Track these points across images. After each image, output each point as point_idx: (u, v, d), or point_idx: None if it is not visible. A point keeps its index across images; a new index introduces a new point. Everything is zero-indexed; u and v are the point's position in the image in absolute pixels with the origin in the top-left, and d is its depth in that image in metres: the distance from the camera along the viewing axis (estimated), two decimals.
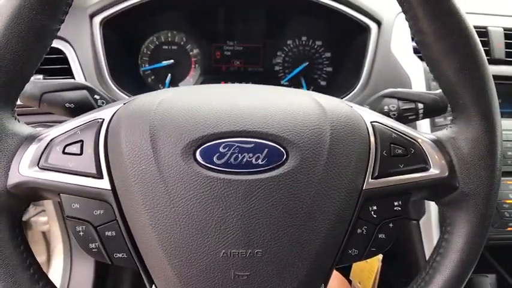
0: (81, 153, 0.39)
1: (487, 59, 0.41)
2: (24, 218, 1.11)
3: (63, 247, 1.06)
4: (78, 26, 0.79)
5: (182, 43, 0.94)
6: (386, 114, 0.53)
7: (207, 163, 0.37)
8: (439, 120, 0.84)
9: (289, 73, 0.97)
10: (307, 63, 0.96)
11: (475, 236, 0.42)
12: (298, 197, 0.37)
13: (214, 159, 0.37)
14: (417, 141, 0.42)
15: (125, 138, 0.38)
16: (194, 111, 0.38)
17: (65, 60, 0.77)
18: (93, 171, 0.38)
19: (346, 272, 0.92)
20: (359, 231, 0.40)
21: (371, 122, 0.42)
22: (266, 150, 0.37)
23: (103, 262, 0.40)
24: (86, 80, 0.74)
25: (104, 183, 0.38)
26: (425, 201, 0.83)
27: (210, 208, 0.36)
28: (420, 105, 0.56)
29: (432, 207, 0.82)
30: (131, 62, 0.93)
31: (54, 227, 1.04)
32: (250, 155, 0.37)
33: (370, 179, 0.40)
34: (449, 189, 0.43)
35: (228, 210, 0.36)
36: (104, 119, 0.40)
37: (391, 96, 0.56)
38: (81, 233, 0.39)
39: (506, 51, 0.89)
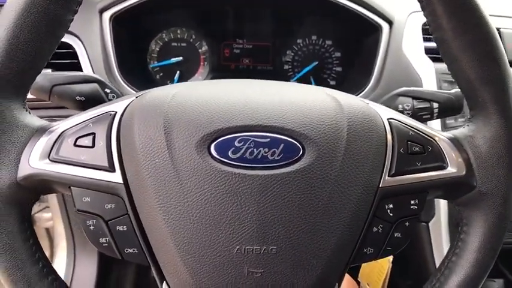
0: (93, 146, 0.38)
1: None
2: None
3: (66, 244, 1.05)
4: (87, 21, 0.79)
5: (191, 40, 0.94)
6: (401, 113, 0.53)
7: (221, 157, 0.36)
8: (449, 121, 0.83)
9: (298, 72, 0.96)
10: (316, 62, 0.96)
11: (492, 237, 0.41)
12: (314, 193, 0.36)
13: (229, 153, 0.36)
14: (434, 139, 0.42)
15: (138, 131, 0.37)
16: (209, 105, 0.38)
17: (74, 55, 0.76)
18: (105, 164, 0.38)
19: (354, 274, 0.91)
20: (375, 229, 0.39)
21: (388, 119, 0.41)
22: (282, 145, 0.36)
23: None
24: None
25: (116, 177, 0.37)
26: (435, 203, 0.82)
27: (225, 203, 0.36)
28: (435, 105, 0.55)
29: (442, 210, 0.81)
30: (140, 59, 0.92)
31: (58, 223, 1.04)
32: (266, 149, 0.36)
33: (386, 177, 0.39)
34: (467, 188, 0.42)
35: (243, 205, 0.36)
36: (116, 112, 0.40)
37: (405, 95, 0.55)
38: (91, 227, 0.38)
39: None
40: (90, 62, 0.76)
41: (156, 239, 0.37)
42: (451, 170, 0.41)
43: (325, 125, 0.38)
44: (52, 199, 0.96)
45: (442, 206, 0.82)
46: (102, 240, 0.38)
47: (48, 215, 1.16)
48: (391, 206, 0.39)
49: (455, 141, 0.42)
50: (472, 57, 0.39)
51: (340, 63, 0.96)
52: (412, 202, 0.40)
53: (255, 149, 0.36)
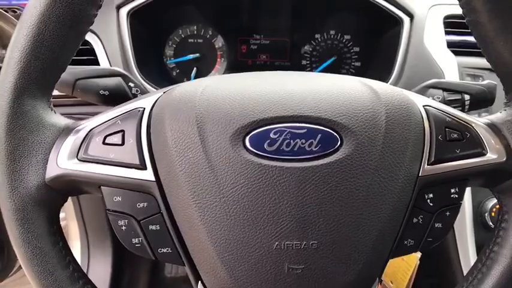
0: (122, 144, 0.37)
1: None
2: None
3: (80, 244, 1.05)
4: (104, 17, 0.78)
5: (208, 36, 0.93)
6: None
7: (257, 150, 0.35)
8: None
9: (316, 68, 0.95)
10: (335, 57, 0.94)
11: None
12: (354, 184, 0.35)
13: (265, 145, 0.35)
14: (471, 126, 0.40)
15: (170, 126, 0.36)
16: (242, 97, 0.36)
17: (91, 51, 0.76)
18: (136, 161, 0.36)
19: None
20: (415, 220, 0.38)
21: (424, 106, 0.40)
22: (319, 135, 0.35)
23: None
24: None
25: (148, 174, 0.36)
26: None
27: (262, 197, 0.34)
28: (467, 97, 0.54)
29: (466, 206, 0.79)
30: (157, 55, 0.91)
31: (72, 223, 1.04)
32: (303, 141, 0.35)
33: (426, 166, 0.38)
34: (507, 174, 0.41)
35: (281, 199, 0.34)
36: (144, 108, 0.39)
37: (436, 86, 0.54)
38: (123, 228, 0.37)
39: None
40: (108, 59, 0.76)
41: (192, 237, 0.36)
42: (491, 156, 0.40)
43: (363, 113, 0.36)
44: None
45: (466, 203, 0.80)
46: (135, 240, 0.37)
47: (62, 215, 1.16)
48: (431, 195, 0.38)
49: (493, 127, 0.41)
50: (508, 39, 0.38)
51: (359, 58, 0.95)
52: (452, 191, 0.39)
53: (291, 141, 0.35)
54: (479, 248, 0.79)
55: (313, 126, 0.35)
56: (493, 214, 0.77)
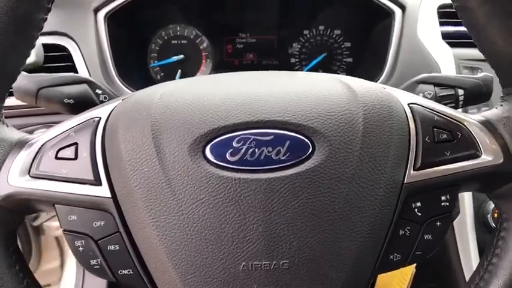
0: (75, 158, 0.34)
1: None
2: (37, 223, 1.09)
3: None
4: (82, 22, 0.76)
5: (192, 37, 0.90)
6: None
7: (219, 161, 0.32)
8: (472, 111, 0.78)
9: (306, 65, 0.92)
10: (325, 54, 0.91)
11: None
12: (328, 196, 0.32)
13: (228, 156, 0.32)
14: (463, 124, 0.37)
15: (124, 138, 0.33)
16: (201, 102, 0.34)
17: (68, 57, 0.73)
18: (90, 177, 0.34)
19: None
20: (401, 232, 0.35)
21: (408, 104, 0.37)
22: (288, 142, 0.32)
23: None
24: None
25: (103, 191, 0.34)
26: (460, 199, 0.77)
27: (226, 214, 0.31)
28: (460, 92, 0.50)
29: (467, 207, 0.76)
30: (140, 58, 0.89)
31: None
32: (270, 149, 0.32)
33: (412, 171, 0.35)
34: (506, 178, 0.37)
35: (247, 215, 0.31)
36: (100, 118, 0.36)
37: (426, 82, 0.50)
38: (80, 249, 0.34)
39: None
40: (85, 64, 0.73)
41: (152, 258, 0.33)
42: (486, 158, 0.36)
43: (337, 115, 0.33)
44: None
45: (467, 202, 0.76)
46: (93, 262, 0.35)
47: (57, 224, 1.14)
48: (418, 204, 0.35)
49: (488, 125, 0.38)
50: (502, 26, 0.34)
51: (350, 53, 0.92)
52: (443, 198, 0.36)
53: (256, 149, 0.32)
54: (482, 251, 0.75)
55: (280, 132, 0.32)
56: (495, 215, 0.73)
